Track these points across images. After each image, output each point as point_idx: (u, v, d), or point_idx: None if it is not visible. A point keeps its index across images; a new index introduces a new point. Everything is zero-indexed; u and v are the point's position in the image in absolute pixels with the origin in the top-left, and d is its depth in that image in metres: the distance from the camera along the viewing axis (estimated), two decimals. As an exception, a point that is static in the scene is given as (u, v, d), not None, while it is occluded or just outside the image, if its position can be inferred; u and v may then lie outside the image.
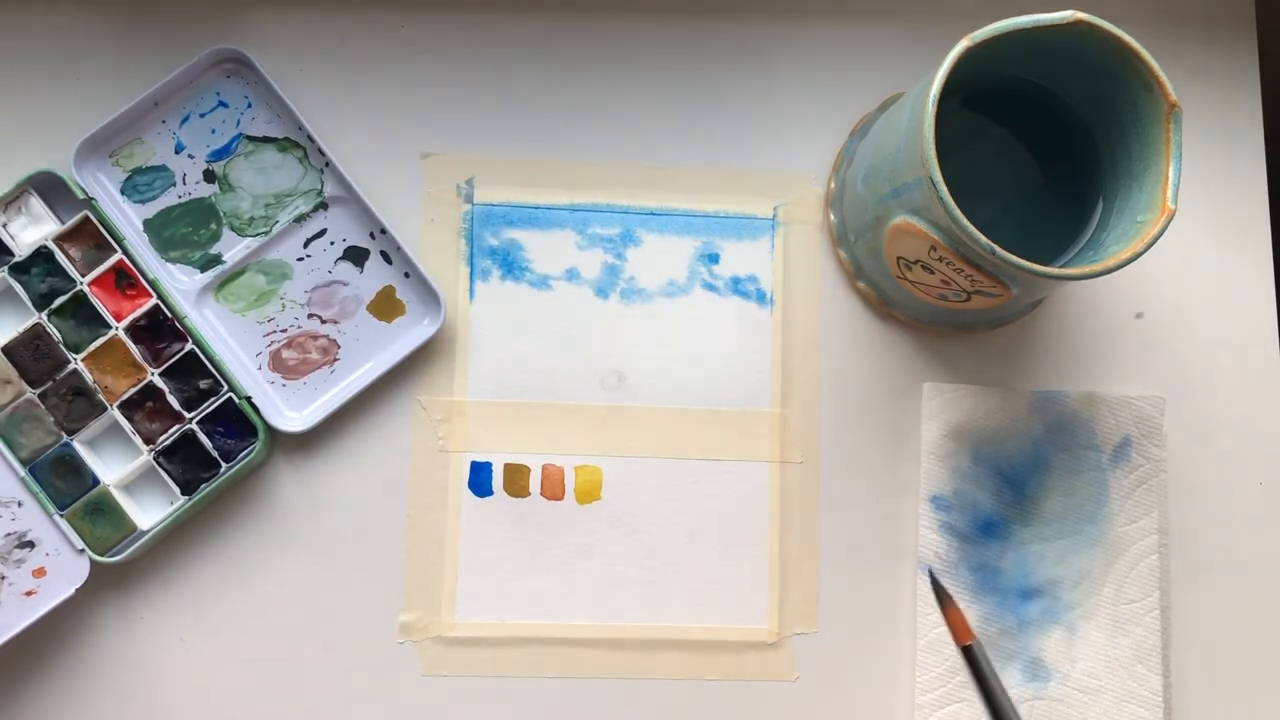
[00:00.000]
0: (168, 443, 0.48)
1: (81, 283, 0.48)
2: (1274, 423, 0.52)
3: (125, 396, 0.48)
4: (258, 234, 0.50)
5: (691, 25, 0.53)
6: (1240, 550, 0.51)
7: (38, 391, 0.48)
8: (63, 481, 0.47)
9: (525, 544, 0.50)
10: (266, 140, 0.51)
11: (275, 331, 0.50)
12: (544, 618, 0.49)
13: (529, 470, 0.50)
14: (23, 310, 0.48)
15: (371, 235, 0.50)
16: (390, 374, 0.50)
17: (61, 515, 0.47)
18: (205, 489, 0.47)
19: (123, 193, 0.50)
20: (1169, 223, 0.42)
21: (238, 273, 0.50)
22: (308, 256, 0.50)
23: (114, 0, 0.52)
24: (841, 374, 0.51)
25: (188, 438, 0.48)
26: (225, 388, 0.48)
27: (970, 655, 0.40)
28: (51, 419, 0.48)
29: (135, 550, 0.47)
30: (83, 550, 0.47)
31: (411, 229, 0.51)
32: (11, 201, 0.49)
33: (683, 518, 0.50)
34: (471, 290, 0.51)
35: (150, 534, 0.47)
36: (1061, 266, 0.46)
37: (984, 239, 0.41)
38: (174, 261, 0.50)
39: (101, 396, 0.48)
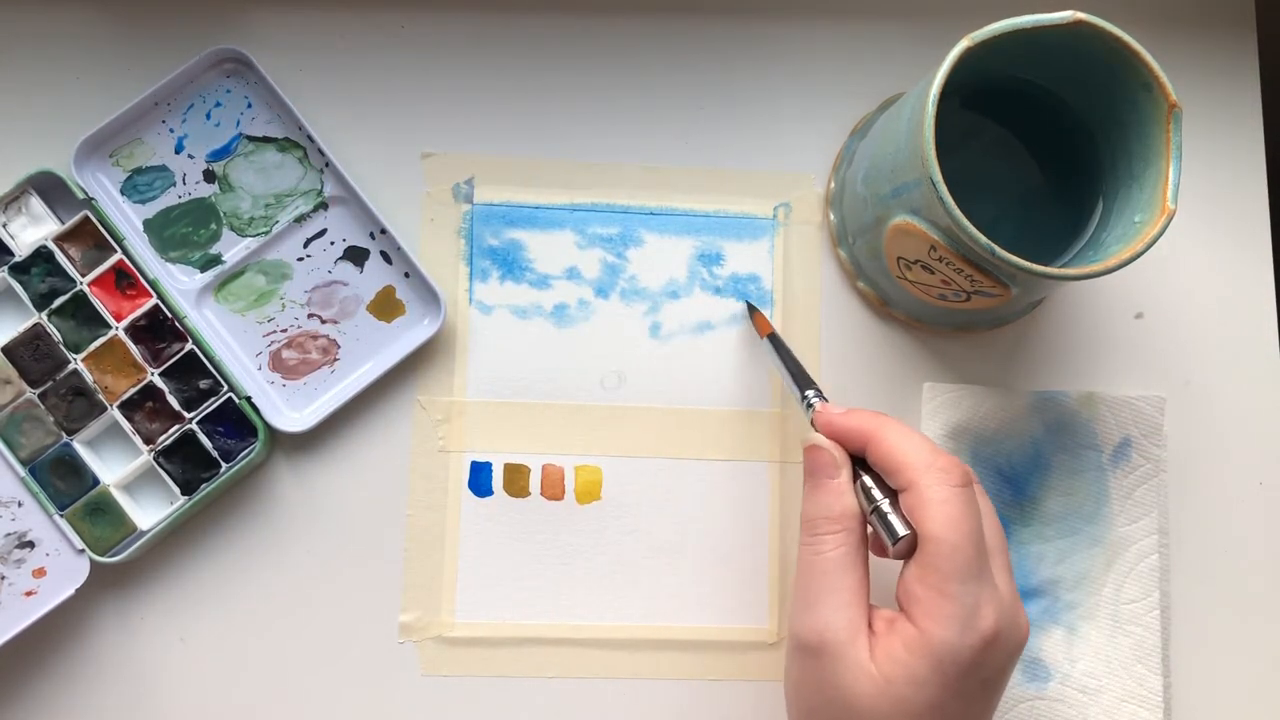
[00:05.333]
0: (168, 443, 0.48)
1: (81, 283, 0.48)
2: (1274, 423, 0.52)
3: (125, 396, 0.48)
4: (258, 234, 0.50)
5: (691, 25, 0.53)
6: (1240, 550, 0.51)
7: (38, 391, 0.48)
8: (63, 481, 0.47)
9: (525, 544, 0.50)
10: (266, 140, 0.51)
11: (275, 331, 0.50)
12: (544, 618, 0.49)
13: (529, 470, 0.50)
14: (22, 310, 0.48)
15: (371, 235, 0.50)
16: (390, 374, 0.50)
17: (61, 515, 0.47)
18: (205, 489, 0.47)
19: (123, 193, 0.50)
20: (1169, 223, 0.42)
21: (238, 273, 0.50)
22: (308, 256, 0.50)
23: (114, 0, 0.52)
24: (841, 374, 0.51)
25: (188, 438, 0.48)
26: (225, 388, 0.48)
27: (775, 340, 0.48)
28: (51, 419, 0.48)
29: (135, 550, 0.47)
30: (82, 550, 0.47)
31: (411, 229, 0.51)
32: (11, 201, 0.49)
33: (683, 518, 0.50)
34: (471, 290, 0.51)
35: (150, 534, 0.47)
36: (1061, 266, 0.46)
37: (984, 239, 0.41)
38: (174, 261, 0.50)
39: (101, 396, 0.48)
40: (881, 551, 0.40)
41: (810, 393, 0.45)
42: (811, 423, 0.43)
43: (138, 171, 0.50)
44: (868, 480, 0.40)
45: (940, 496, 0.38)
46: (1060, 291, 0.53)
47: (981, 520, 0.39)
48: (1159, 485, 0.50)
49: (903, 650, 0.37)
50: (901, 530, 0.39)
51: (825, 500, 0.40)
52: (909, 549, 0.38)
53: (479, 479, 0.50)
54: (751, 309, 0.50)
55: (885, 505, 0.39)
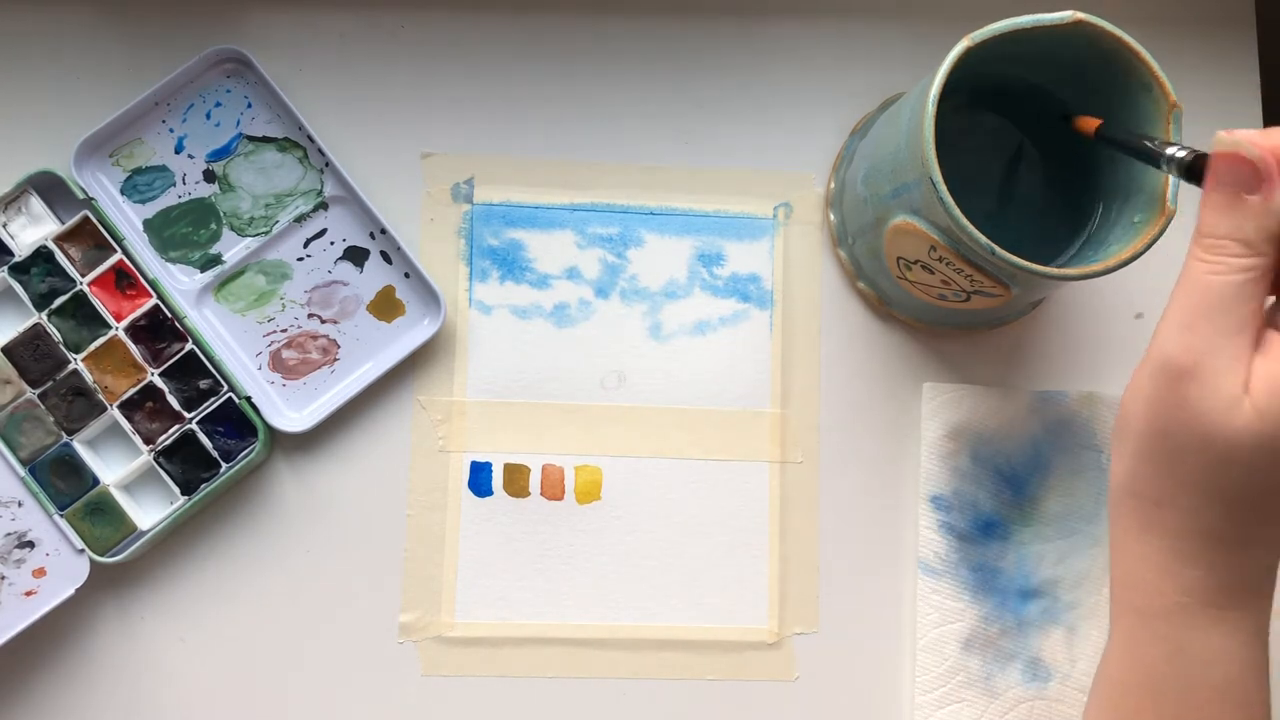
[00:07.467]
0: (168, 443, 0.48)
1: (81, 283, 0.48)
2: (1274, 423, 0.52)
3: (125, 396, 0.48)
4: (258, 234, 0.50)
5: (692, 25, 0.53)
6: (1240, 550, 0.51)
7: (38, 391, 0.48)
8: (63, 481, 0.47)
9: (525, 544, 0.50)
10: (266, 140, 0.51)
11: (275, 331, 0.50)
12: (544, 618, 0.49)
13: (529, 470, 0.50)
14: (23, 310, 0.48)
15: (371, 235, 0.50)
16: (390, 374, 0.50)
17: (61, 515, 0.47)
18: (205, 489, 0.47)
19: (123, 193, 0.50)
20: (1169, 223, 0.42)
21: (238, 273, 0.50)
22: (308, 256, 0.50)
23: (114, 0, 0.52)
24: (841, 374, 0.52)
25: (188, 438, 0.48)
26: (225, 388, 0.48)
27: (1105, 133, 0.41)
28: (51, 419, 0.48)
29: (135, 550, 0.47)
30: (82, 550, 0.47)
31: (411, 229, 0.51)
32: (11, 201, 0.49)
33: (683, 518, 0.50)
34: (471, 290, 0.51)
35: (150, 534, 0.47)
36: (1061, 266, 0.46)
37: (984, 239, 0.41)
38: (174, 261, 0.50)
39: (101, 396, 0.48)
40: None
41: (1174, 149, 0.38)
42: (1184, 173, 0.37)
43: (138, 171, 0.50)
44: None
45: None
46: (1060, 291, 0.53)
47: None
48: (1159, 485, 0.50)
49: None
50: None
51: (1237, 219, 0.34)
52: None
53: (479, 479, 0.50)
54: (1068, 118, 0.45)
55: None
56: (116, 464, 0.48)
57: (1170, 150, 0.38)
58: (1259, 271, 0.34)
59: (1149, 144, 0.39)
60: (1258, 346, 0.34)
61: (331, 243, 0.50)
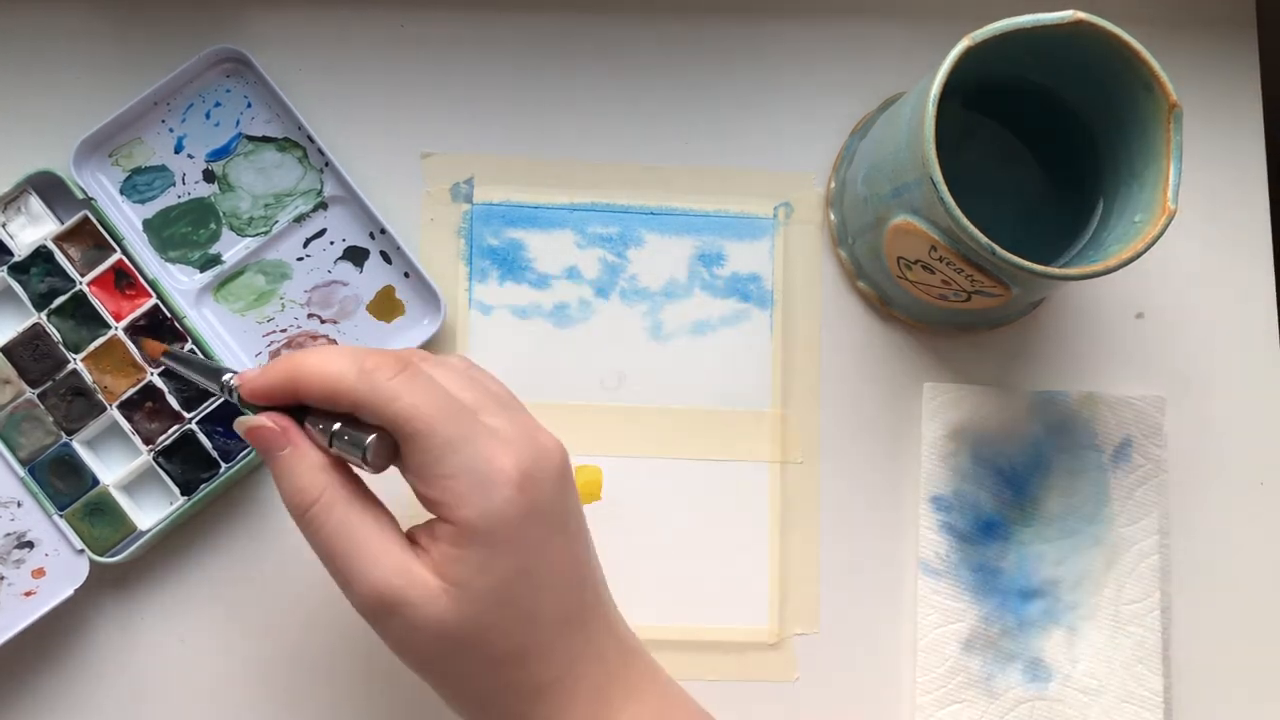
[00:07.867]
0: (167, 443, 0.48)
1: (81, 283, 0.48)
2: (1274, 423, 0.52)
3: (125, 396, 0.48)
4: (257, 234, 0.50)
5: (691, 25, 0.53)
6: (1240, 550, 0.51)
7: (37, 391, 0.48)
8: (62, 481, 0.47)
9: (525, 544, 0.50)
10: (266, 140, 0.51)
11: (275, 331, 0.50)
12: (544, 618, 0.49)
13: (529, 470, 0.50)
14: (22, 310, 0.48)
15: (371, 235, 0.50)
16: (390, 374, 0.50)
17: (61, 515, 0.47)
18: (205, 489, 0.47)
19: (122, 192, 0.50)
20: (1169, 223, 0.42)
21: (237, 273, 0.50)
22: (307, 256, 0.50)
23: (114, 0, 0.52)
24: (841, 374, 0.51)
25: (187, 438, 0.48)
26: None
27: (172, 356, 0.46)
28: (51, 419, 0.48)
29: (135, 550, 0.47)
30: (82, 550, 0.47)
31: (411, 229, 0.51)
32: (10, 201, 0.48)
33: (683, 518, 0.50)
34: (471, 290, 0.51)
35: (150, 534, 0.47)
36: (1061, 266, 0.46)
37: (984, 239, 0.41)
38: (173, 261, 0.50)
39: (101, 396, 0.48)
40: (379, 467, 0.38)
41: (227, 376, 0.41)
42: (240, 403, 0.40)
43: (137, 171, 0.50)
44: (310, 422, 0.38)
45: (389, 394, 0.36)
46: (1060, 291, 0.53)
47: (441, 387, 0.37)
48: (1160, 485, 0.50)
49: (453, 549, 0.36)
50: (366, 438, 0.36)
51: (291, 478, 0.37)
52: (387, 452, 0.37)
53: (479, 479, 0.50)
54: (137, 341, 0.48)
55: (336, 426, 0.37)
56: (116, 464, 0.48)
57: (226, 377, 0.41)
58: (342, 499, 0.37)
59: (205, 371, 0.43)
60: (417, 536, 0.37)
61: (331, 243, 0.50)
